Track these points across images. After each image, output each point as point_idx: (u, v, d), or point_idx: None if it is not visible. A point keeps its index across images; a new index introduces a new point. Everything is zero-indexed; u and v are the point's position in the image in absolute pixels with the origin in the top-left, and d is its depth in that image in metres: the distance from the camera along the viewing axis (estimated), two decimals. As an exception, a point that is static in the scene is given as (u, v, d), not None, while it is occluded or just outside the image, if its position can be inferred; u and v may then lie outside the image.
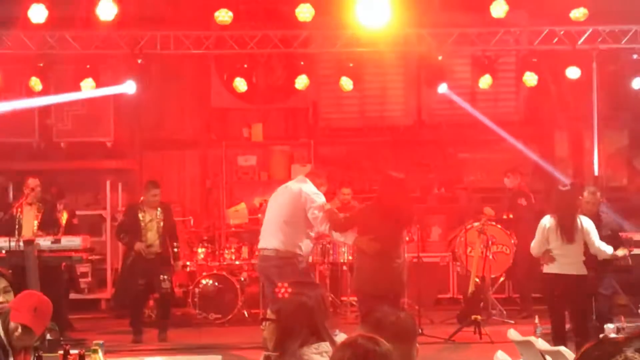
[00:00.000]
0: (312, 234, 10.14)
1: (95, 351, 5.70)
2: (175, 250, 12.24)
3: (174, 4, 15.15)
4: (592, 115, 14.12)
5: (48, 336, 6.43)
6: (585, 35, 13.47)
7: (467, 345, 11.28)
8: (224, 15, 13.24)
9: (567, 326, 10.05)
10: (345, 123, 16.22)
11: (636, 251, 11.94)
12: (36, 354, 5.64)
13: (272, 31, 13.56)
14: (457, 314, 12.70)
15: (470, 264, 12.85)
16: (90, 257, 13.68)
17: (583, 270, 9.81)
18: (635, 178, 15.90)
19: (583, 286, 9.78)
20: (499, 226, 13.47)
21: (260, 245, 10.26)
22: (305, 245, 10.05)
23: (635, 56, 13.75)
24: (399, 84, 16.25)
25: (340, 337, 4.44)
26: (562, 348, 6.76)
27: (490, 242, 12.68)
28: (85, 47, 13.33)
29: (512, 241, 13.37)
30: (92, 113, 15.05)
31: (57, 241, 11.49)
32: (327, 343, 4.59)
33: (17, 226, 11.67)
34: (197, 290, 13.16)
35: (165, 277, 11.86)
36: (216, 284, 13.25)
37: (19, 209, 11.78)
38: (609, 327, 8.65)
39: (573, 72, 13.89)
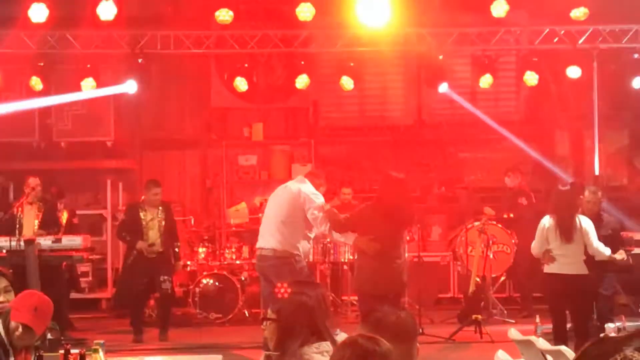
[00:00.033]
0: (311, 235, 10.13)
1: (96, 351, 5.69)
2: (176, 250, 12.25)
3: (174, 4, 15.16)
4: (593, 115, 14.11)
5: (49, 336, 6.42)
6: (586, 34, 13.47)
7: (468, 344, 11.28)
8: (224, 15, 13.24)
9: (569, 326, 10.04)
10: (345, 122, 16.22)
11: (637, 250, 11.95)
12: (37, 354, 5.64)
13: (272, 31, 13.56)
14: (457, 314, 12.71)
15: (470, 264, 12.85)
16: (90, 257, 13.69)
17: (583, 270, 9.80)
18: (635, 177, 15.89)
19: (583, 286, 9.77)
20: (500, 225, 13.47)
21: (259, 244, 10.27)
22: (303, 246, 10.05)
23: (636, 55, 13.74)
24: (399, 84, 16.25)
25: (341, 336, 4.43)
26: (562, 347, 6.76)
27: (490, 242, 12.68)
28: (86, 47, 13.33)
29: (513, 241, 13.37)
30: (93, 113, 15.05)
31: (58, 241, 11.50)
32: (328, 342, 4.59)
33: (17, 226, 11.68)
34: (197, 289, 13.16)
35: (166, 277, 11.86)
36: (217, 283, 13.25)
37: (20, 209, 11.79)
38: (610, 326, 8.65)
39: (573, 72, 13.90)
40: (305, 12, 12.86)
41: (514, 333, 7.26)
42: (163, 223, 11.98)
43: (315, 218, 9.77)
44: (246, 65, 14.49)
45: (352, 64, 14.07)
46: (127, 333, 11.94)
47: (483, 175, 15.90)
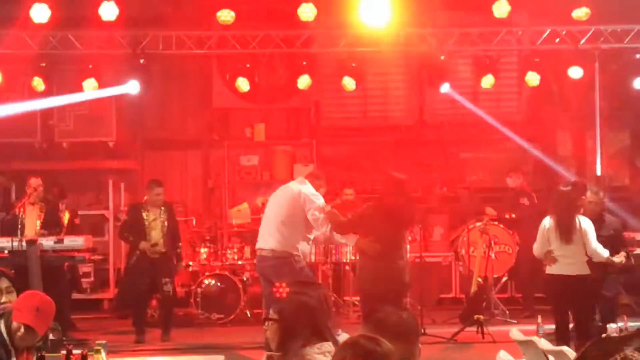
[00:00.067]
0: (310, 236, 10.10)
1: (97, 351, 5.69)
2: (178, 250, 12.25)
3: (175, 4, 15.16)
4: (594, 115, 14.12)
5: (51, 336, 6.42)
6: (588, 35, 13.46)
7: (470, 345, 11.28)
8: (226, 15, 13.23)
9: (571, 326, 10.04)
10: (347, 123, 16.22)
11: (639, 251, 11.95)
12: (39, 354, 5.64)
13: (274, 31, 13.56)
14: (459, 314, 12.70)
15: (472, 264, 12.85)
16: (92, 257, 13.69)
17: (585, 270, 9.79)
18: (637, 178, 15.88)
19: (585, 286, 9.76)
20: (502, 226, 13.47)
21: (258, 245, 10.25)
22: (303, 247, 10.03)
23: (637, 56, 13.74)
24: (401, 84, 16.26)
25: (343, 337, 4.44)
26: (564, 348, 6.75)
27: (492, 242, 12.67)
28: (88, 47, 13.34)
29: (515, 241, 13.37)
30: (94, 113, 15.06)
31: (60, 241, 11.49)
32: (330, 343, 4.59)
33: (19, 226, 11.67)
34: (199, 290, 13.16)
35: (167, 280, 11.86)
36: (218, 284, 13.25)
37: (22, 209, 11.78)
38: (612, 327, 8.64)
39: (575, 72, 13.89)
40: (306, 12, 12.86)
41: (515, 333, 7.25)
42: (165, 223, 11.98)
43: (316, 219, 9.76)
44: (248, 65, 14.49)
45: (353, 64, 14.07)
46: (129, 333, 11.95)
47: (485, 176, 15.90)
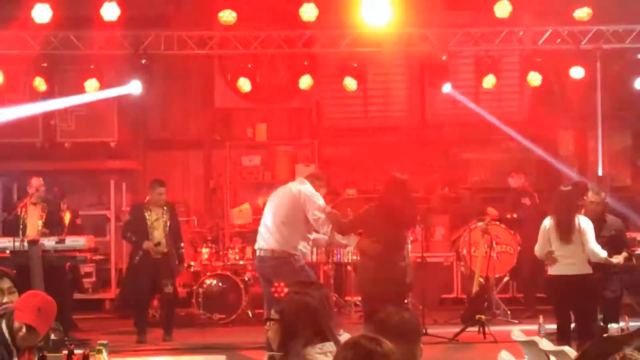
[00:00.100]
0: (310, 236, 10.08)
1: (99, 351, 5.69)
2: (181, 251, 12.26)
3: (177, 5, 15.18)
4: (596, 115, 14.09)
5: (52, 336, 6.44)
6: (589, 35, 13.46)
7: (471, 345, 11.27)
8: (227, 16, 13.24)
9: (573, 326, 10.03)
10: (349, 123, 16.24)
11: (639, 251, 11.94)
12: (40, 354, 5.64)
13: (275, 31, 13.56)
14: (461, 314, 12.71)
15: (474, 264, 12.85)
16: (94, 257, 13.68)
17: (586, 270, 9.77)
18: (639, 178, 15.89)
19: (586, 286, 9.75)
20: (503, 226, 13.47)
21: (257, 245, 10.22)
22: (302, 246, 10.01)
23: (639, 56, 13.73)
24: (402, 84, 16.27)
25: (345, 337, 4.43)
26: (566, 348, 6.75)
27: (494, 242, 12.67)
28: (89, 48, 13.35)
29: (516, 241, 13.37)
30: (96, 113, 15.06)
31: (62, 241, 11.49)
32: (332, 343, 4.59)
33: (21, 226, 11.68)
34: (201, 290, 13.16)
35: (168, 281, 11.86)
36: (220, 284, 13.26)
37: (23, 209, 11.79)
38: (613, 327, 8.64)
39: (577, 72, 13.89)
40: (308, 12, 12.86)
41: (517, 333, 7.25)
42: (168, 223, 11.99)
43: (317, 219, 9.74)
44: (250, 65, 14.49)
45: (355, 65, 14.07)
46: (130, 334, 11.95)
47: (486, 176, 15.91)
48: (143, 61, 13.25)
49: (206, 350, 10.97)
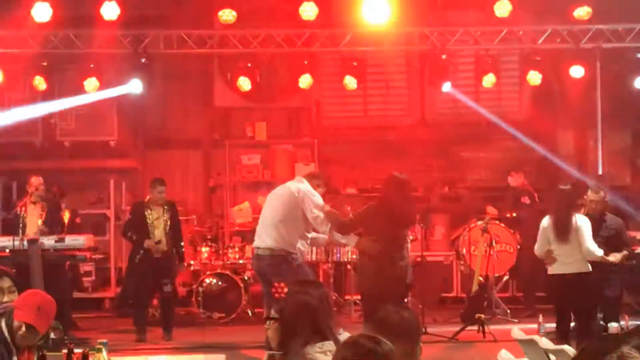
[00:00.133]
0: (309, 235, 10.08)
1: (99, 350, 5.69)
2: (181, 250, 12.26)
3: (177, 3, 15.16)
4: (596, 114, 14.10)
5: (52, 335, 6.42)
6: (589, 34, 13.46)
7: (471, 344, 11.28)
8: (227, 15, 13.25)
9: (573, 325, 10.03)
10: (348, 122, 16.23)
11: (639, 250, 11.94)
12: (40, 353, 5.64)
13: (275, 30, 13.55)
14: (460, 313, 12.71)
15: (473, 263, 12.86)
16: (93, 256, 13.69)
17: (584, 268, 9.77)
18: (638, 177, 15.89)
19: (585, 284, 9.75)
20: (503, 225, 13.49)
21: (255, 244, 10.21)
22: (300, 245, 10.01)
23: (639, 55, 13.73)
24: (402, 83, 16.26)
25: (344, 336, 4.43)
26: (565, 347, 6.76)
27: (493, 241, 12.68)
28: (89, 47, 13.33)
29: (516, 240, 13.38)
30: (96, 112, 15.04)
31: (61, 240, 11.50)
32: (331, 342, 4.59)
33: (21, 225, 11.68)
34: (200, 289, 13.16)
35: (167, 281, 11.86)
36: (220, 283, 13.25)
37: (23, 208, 11.79)
38: (613, 326, 8.64)
39: (577, 71, 13.90)
40: (308, 11, 12.87)
41: (517, 332, 7.26)
42: (168, 222, 11.99)
43: (316, 218, 9.73)
44: (249, 64, 14.48)
45: (355, 64, 14.06)
46: (130, 332, 11.95)
47: (486, 175, 15.90)
48: (143, 60, 13.24)
49: (206, 349, 10.98)
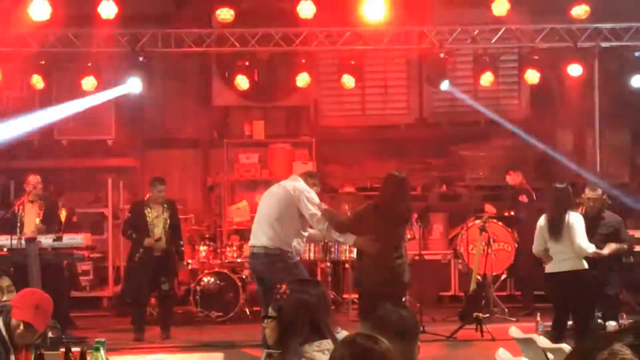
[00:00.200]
0: (305, 233, 10.07)
1: (97, 349, 5.69)
2: (181, 249, 12.26)
3: (175, 2, 15.16)
4: (594, 113, 14.11)
5: (50, 334, 6.43)
6: (587, 32, 13.46)
7: (469, 342, 11.27)
8: (225, 13, 13.25)
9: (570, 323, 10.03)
10: (346, 121, 16.22)
11: (638, 249, 11.95)
12: (37, 352, 5.64)
13: (273, 29, 13.54)
14: (458, 312, 12.71)
15: (471, 262, 12.86)
16: (91, 255, 13.69)
17: (580, 266, 9.76)
18: (637, 175, 15.90)
19: (582, 281, 9.75)
20: (501, 223, 13.50)
21: (251, 242, 10.19)
22: (296, 244, 10.00)
23: (637, 54, 13.73)
24: (400, 82, 16.26)
25: (342, 334, 4.43)
26: (563, 345, 6.76)
27: (491, 240, 12.67)
28: (87, 46, 13.32)
29: (514, 238, 13.38)
30: (94, 111, 14.98)
31: (59, 239, 11.50)
32: (329, 340, 4.59)
33: (19, 224, 11.67)
34: (198, 288, 13.16)
35: (165, 279, 11.85)
36: (218, 281, 13.25)
37: (21, 207, 11.78)
38: (611, 324, 8.65)
39: (575, 70, 13.90)
40: (305, 10, 12.86)
41: (514, 331, 7.26)
42: (168, 221, 11.99)
43: (313, 215, 9.71)
44: (247, 63, 14.47)
45: (353, 62, 14.07)
46: (128, 331, 11.94)
47: (484, 174, 15.91)
48: (141, 59, 13.23)
49: (204, 348, 10.98)
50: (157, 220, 11.96)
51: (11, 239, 11.25)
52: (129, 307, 12.60)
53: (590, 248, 9.78)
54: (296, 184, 9.97)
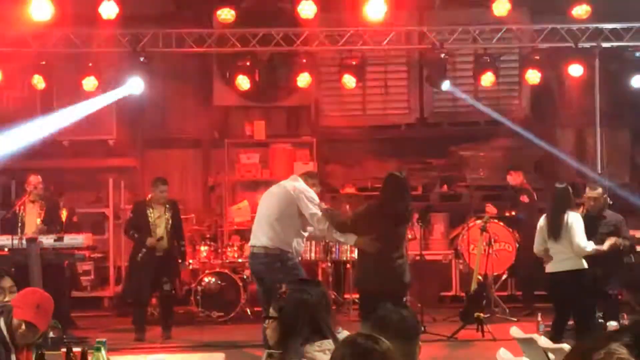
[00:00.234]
0: (305, 234, 10.06)
1: (98, 349, 5.69)
2: (183, 249, 12.26)
3: (176, 3, 15.16)
4: (595, 113, 14.11)
5: (51, 334, 6.43)
6: (588, 32, 13.46)
7: (470, 342, 11.28)
8: (226, 14, 13.25)
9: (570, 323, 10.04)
10: (347, 121, 16.21)
11: (639, 249, 11.94)
12: (38, 352, 5.65)
13: (274, 29, 13.55)
14: (459, 312, 12.69)
15: (472, 262, 12.86)
16: (92, 255, 13.69)
17: (579, 265, 9.77)
18: (637, 175, 15.89)
19: (581, 280, 9.75)
20: (502, 223, 13.49)
21: (251, 242, 10.18)
22: (296, 244, 9.99)
23: (638, 54, 13.73)
24: (401, 82, 16.25)
25: (343, 334, 4.43)
26: (564, 345, 6.77)
27: (492, 240, 12.68)
28: (88, 46, 13.33)
29: (515, 238, 13.38)
30: (95, 112, 15.02)
31: (60, 239, 11.50)
32: (330, 340, 4.59)
33: (20, 224, 11.67)
34: (199, 288, 13.16)
35: (167, 279, 11.86)
36: (219, 281, 13.25)
37: (22, 207, 11.79)
38: (612, 324, 8.65)
39: (575, 70, 13.90)
40: (306, 10, 12.87)
41: (515, 331, 7.26)
42: (170, 221, 11.99)
43: (313, 215, 9.70)
44: (248, 63, 14.48)
45: (354, 62, 14.07)
46: (129, 331, 11.94)
47: (485, 174, 15.90)
48: (141, 59, 13.23)
49: (205, 348, 10.99)
50: (159, 220, 11.96)
51: (12, 239, 11.26)
52: (130, 307, 12.61)
53: (589, 247, 9.79)
54: (296, 184, 9.97)
